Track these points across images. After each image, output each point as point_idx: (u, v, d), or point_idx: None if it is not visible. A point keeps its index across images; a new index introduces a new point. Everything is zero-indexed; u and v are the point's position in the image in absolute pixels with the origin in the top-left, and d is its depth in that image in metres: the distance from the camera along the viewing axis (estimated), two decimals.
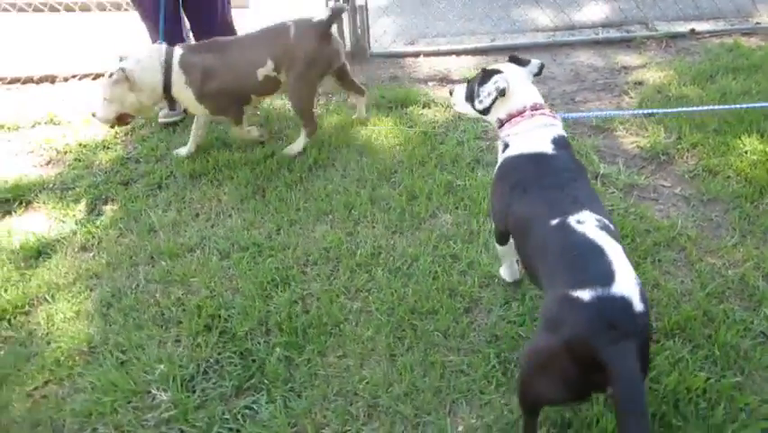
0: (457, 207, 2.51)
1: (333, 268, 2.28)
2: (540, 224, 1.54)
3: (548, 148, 1.72)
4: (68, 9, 4.48)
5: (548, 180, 1.65)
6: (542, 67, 1.94)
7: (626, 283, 1.32)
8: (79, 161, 3.07)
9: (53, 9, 4.47)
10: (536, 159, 1.71)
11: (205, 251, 2.41)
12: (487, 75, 1.85)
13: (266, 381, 1.88)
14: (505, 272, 2.14)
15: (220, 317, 2.10)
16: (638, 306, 1.30)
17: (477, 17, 4.19)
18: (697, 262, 2.19)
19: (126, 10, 4.37)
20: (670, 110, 2.91)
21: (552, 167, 1.69)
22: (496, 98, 1.80)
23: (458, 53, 3.85)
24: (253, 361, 1.94)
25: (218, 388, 1.87)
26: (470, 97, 1.92)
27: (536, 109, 1.79)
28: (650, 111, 2.92)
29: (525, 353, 1.58)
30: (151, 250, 2.44)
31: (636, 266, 2.13)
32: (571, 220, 1.48)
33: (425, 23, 4.10)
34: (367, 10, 3.63)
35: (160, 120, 3.24)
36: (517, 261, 2.05)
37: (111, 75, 2.62)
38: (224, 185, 2.76)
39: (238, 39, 2.89)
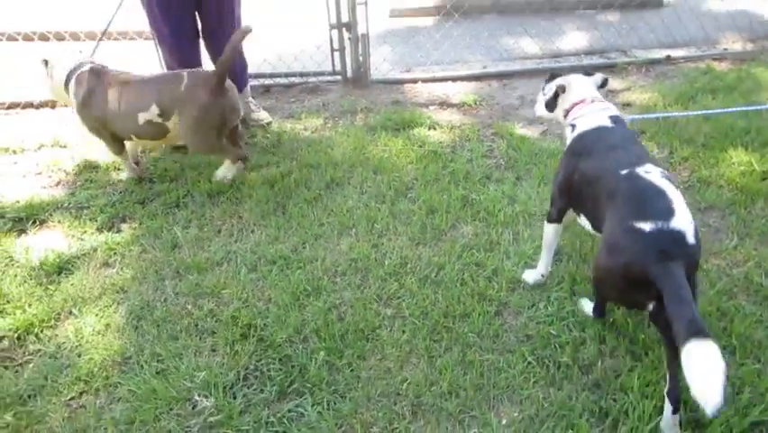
0: (475, 220, 2.63)
1: (363, 278, 2.35)
2: (610, 174, 1.82)
3: (607, 122, 2.05)
4: (59, 38, 4.51)
5: (612, 143, 1.96)
6: (605, 79, 2.32)
7: (682, 220, 1.61)
8: (91, 181, 3.09)
9: (43, 38, 4.49)
10: (599, 130, 2.04)
11: (232, 264, 2.46)
12: (550, 78, 2.32)
13: (308, 384, 1.93)
14: (528, 276, 2.26)
15: (256, 326, 2.15)
16: (690, 239, 1.60)
17: (469, 46, 4.41)
18: (703, 264, 2.34)
19: (117, 39, 4.44)
20: (722, 111, 3.13)
21: (613, 134, 2.01)
22: (556, 93, 2.23)
23: (453, 79, 4.04)
24: (293, 367, 1.99)
25: (260, 393, 1.91)
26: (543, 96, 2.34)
27: (593, 101, 2.13)
28: (705, 112, 3.25)
29: (593, 267, 1.87)
30: (177, 265, 2.47)
31: None
32: (640, 170, 1.77)
33: (421, 51, 4.29)
34: (368, 38, 3.79)
35: None
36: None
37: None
38: (243, 202, 2.83)
39: (139, 78, 2.85)
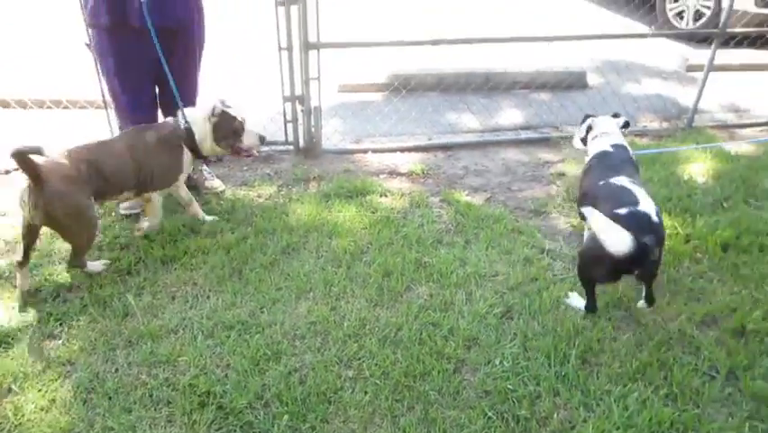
0: (429, 281, 2.72)
1: (323, 340, 2.37)
2: (595, 184, 2.61)
3: (609, 148, 2.81)
4: (4, 105, 4.47)
5: (608, 164, 2.71)
6: (627, 122, 3.05)
7: (646, 206, 2.32)
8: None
9: None
10: (601, 154, 2.81)
11: (188, 331, 2.42)
12: (585, 118, 3.08)
13: None
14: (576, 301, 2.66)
15: (215, 393, 2.11)
16: (655, 219, 2.28)
17: (415, 120, 4.66)
18: (641, 319, 2.51)
19: (67, 107, 4.43)
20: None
21: (609, 157, 2.76)
22: (587, 130, 3.02)
23: (402, 150, 4.24)
24: None
25: None
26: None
27: (607, 134, 2.90)
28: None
29: (581, 253, 2.53)
30: (129, 333, 2.41)
31: (593, 324, 2.43)
32: (613, 180, 2.53)
33: (370, 124, 4.51)
34: (320, 111, 3.96)
35: (121, 210, 3.26)
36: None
37: None
38: (198, 269, 2.81)
39: None
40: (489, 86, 5.13)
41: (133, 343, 2.38)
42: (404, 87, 4.61)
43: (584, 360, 2.28)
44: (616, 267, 2.26)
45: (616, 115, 3.06)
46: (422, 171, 3.87)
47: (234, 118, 2.97)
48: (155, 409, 2.07)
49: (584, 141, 3.06)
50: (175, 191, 3.07)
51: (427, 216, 3.28)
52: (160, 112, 3.29)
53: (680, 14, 7.11)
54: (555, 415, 2.03)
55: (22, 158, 2.29)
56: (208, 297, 2.64)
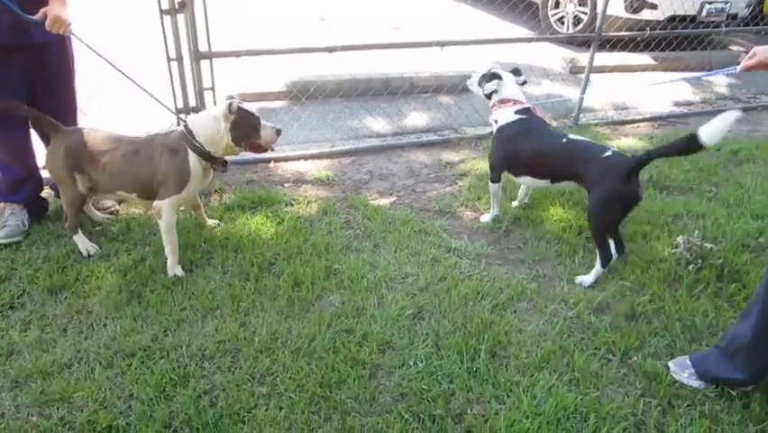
0: (340, 288, 2.71)
1: (233, 358, 2.29)
2: (553, 143, 2.94)
3: (526, 116, 3.09)
4: None
5: (542, 129, 3.07)
6: (524, 81, 3.29)
7: (613, 150, 2.76)
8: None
9: None
10: (524, 121, 3.07)
11: (83, 364, 2.25)
12: (493, 76, 3.20)
13: None
14: (487, 218, 3.37)
15: (117, 427, 1.98)
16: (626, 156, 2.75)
17: (317, 127, 4.64)
18: (543, 309, 2.65)
19: None
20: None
21: (536, 124, 3.08)
22: (492, 92, 3.19)
23: (305, 158, 4.20)
24: None
25: None
26: (480, 84, 3.28)
27: (516, 102, 3.13)
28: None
29: (593, 206, 2.74)
30: (15, 373, 2.20)
31: (500, 317, 2.53)
32: (573, 137, 2.93)
33: None
34: None
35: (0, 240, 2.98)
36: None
37: None
38: (92, 296, 2.62)
39: None
40: (389, 90, 5.22)
41: (21, 383, 2.17)
42: (303, 94, 4.57)
43: (494, 354, 2.36)
44: (631, 204, 2.70)
45: (516, 72, 3.28)
46: (327, 178, 3.86)
47: (252, 113, 2.74)
48: None
49: (488, 96, 3.25)
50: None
51: (335, 222, 3.27)
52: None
53: (560, 20, 7.61)
54: (469, 410, 2.08)
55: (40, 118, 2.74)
56: (105, 325, 2.46)
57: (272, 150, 2.91)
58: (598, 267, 2.81)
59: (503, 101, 3.15)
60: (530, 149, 2.97)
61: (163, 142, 2.72)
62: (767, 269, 2.33)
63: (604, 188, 2.66)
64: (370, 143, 4.52)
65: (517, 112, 3.08)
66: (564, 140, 2.90)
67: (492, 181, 3.27)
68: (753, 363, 2.10)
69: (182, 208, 3.12)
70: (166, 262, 2.77)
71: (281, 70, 5.21)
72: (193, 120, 2.75)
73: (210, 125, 2.69)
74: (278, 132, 2.82)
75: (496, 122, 3.16)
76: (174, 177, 2.69)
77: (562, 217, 3.39)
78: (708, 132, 2.21)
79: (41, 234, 3.06)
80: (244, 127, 2.71)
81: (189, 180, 2.71)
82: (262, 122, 2.77)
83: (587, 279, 2.84)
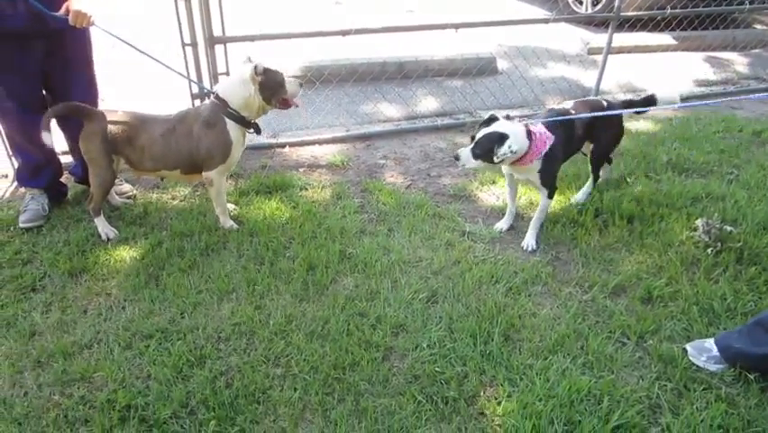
0: (354, 272, 2.72)
1: (248, 340, 2.32)
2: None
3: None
4: None
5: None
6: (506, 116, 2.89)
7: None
8: None
9: None
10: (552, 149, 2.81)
11: (103, 345, 2.30)
12: (501, 139, 2.64)
13: None
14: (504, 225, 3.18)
15: (136, 406, 2.02)
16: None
17: (332, 111, 4.63)
18: (558, 292, 2.63)
19: None
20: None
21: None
22: (514, 153, 2.67)
23: (320, 143, 4.20)
24: None
25: None
26: (483, 156, 2.69)
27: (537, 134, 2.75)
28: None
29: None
30: (37, 354, 2.26)
31: (514, 301, 2.52)
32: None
33: (286, 118, 4.43)
34: None
35: (21, 224, 3.03)
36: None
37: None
38: (110, 278, 2.67)
39: None
40: (403, 74, 5.18)
41: (43, 363, 2.22)
42: (317, 78, 4.56)
43: (507, 337, 2.36)
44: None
45: (491, 119, 2.81)
46: (342, 163, 3.86)
47: (277, 71, 2.86)
48: (71, 431, 1.95)
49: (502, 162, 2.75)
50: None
51: (349, 206, 3.28)
52: None
53: (579, 0, 7.47)
54: (482, 393, 2.09)
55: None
56: (123, 307, 2.51)
57: (296, 105, 3.00)
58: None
59: (530, 135, 2.73)
60: (566, 143, 2.94)
61: (196, 116, 2.83)
62: None
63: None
64: (385, 128, 4.50)
65: (545, 128, 2.78)
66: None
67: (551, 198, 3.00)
68: None
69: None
70: (218, 219, 3.03)
71: (295, 55, 5.20)
72: (223, 89, 2.85)
73: (241, 90, 2.81)
74: (301, 84, 2.95)
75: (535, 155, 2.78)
76: (218, 149, 2.83)
77: (579, 202, 3.35)
78: (663, 98, 3.09)
79: (62, 219, 3.11)
80: (272, 85, 2.84)
81: (232, 148, 2.86)
82: (284, 76, 2.88)
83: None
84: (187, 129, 2.81)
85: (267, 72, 2.80)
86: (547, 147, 2.75)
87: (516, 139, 2.65)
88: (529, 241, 2.98)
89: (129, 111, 2.86)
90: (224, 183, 2.99)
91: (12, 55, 2.75)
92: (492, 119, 2.77)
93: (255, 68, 2.76)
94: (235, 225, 3.02)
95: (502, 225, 3.15)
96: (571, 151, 3.08)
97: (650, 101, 3.13)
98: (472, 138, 2.74)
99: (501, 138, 2.63)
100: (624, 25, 5.16)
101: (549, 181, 2.90)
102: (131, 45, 2.82)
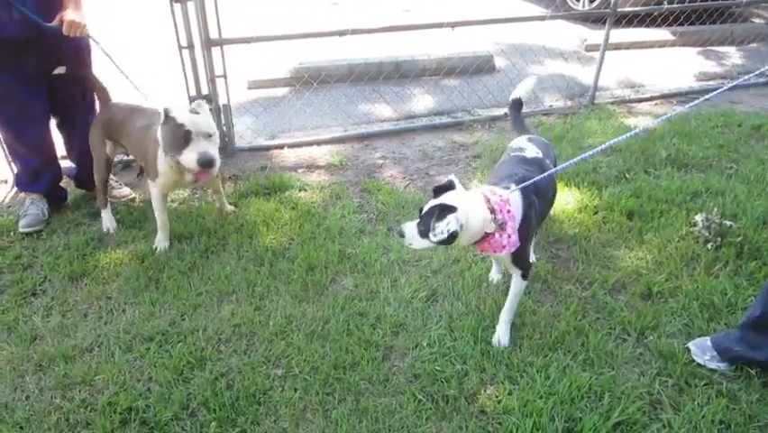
0: (353, 272, 2.72)
1: (249, 342, 2.32)
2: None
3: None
4: None
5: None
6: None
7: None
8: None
9: None
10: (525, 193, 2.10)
11: (104, 348, 2.30)
12: (442, 212, 1.92)
13: None
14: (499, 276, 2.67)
15: (137, 408, 2.02)
16: None
17: (329, 112, 4.64)
18: (557, 289, 2.63)
19: None
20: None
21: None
22: (455, 233, 1.90)
23: (318, 143, 4.20)
24: None
25: None
26: (426, 234, 1.98)
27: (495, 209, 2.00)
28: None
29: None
30: (38, 358, 2.26)
31: None
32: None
33: (283, 119, 4.43)
34: (230, 109, 3.85)
35: (21, 229, 3.04)
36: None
37: None
38: (110, 282, 2.67)
39: None
40: (400, 74, 5.18)
41: (44, 367, 2.23)
42: (314, 79, 4.56)
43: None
44: None
45: (452, 186, 2.11)
46: (340, 163, 3.86)
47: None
48: None
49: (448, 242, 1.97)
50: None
51: (348, 207, 3.28)
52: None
53: None
54: (483, 391, 2.09)
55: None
56: (124, 310, 2.51)
57: None
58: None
59: (490, 207, 2.00)
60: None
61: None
62: None
63: None
64: (383, 128, 4.50)
65: (516, 188, 2.08)
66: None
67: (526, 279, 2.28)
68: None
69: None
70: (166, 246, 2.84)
71: (293, 55, 5.20)
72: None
73: None
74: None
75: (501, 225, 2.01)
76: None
77: (578, 198, 3.35)
78: (518, 92, 2.79)
79: (61, 223, 3.12)
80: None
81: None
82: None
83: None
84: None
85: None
86: (515, 237, 2.03)
87: (466, 214, 1.93)
88: (500, 337, 2.30)
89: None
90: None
91: (8, 61, 2.75)
92: (448, 186, 2.09)
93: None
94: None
95: (497, 275, 2.68)
96: (544, 211, 2.38)
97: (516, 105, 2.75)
98: (420, 211, 2.07)
99: (443, 211, 1.93)
100: (621, 21, 5.15)
101: (522, 261, 2.19)
102: (108, 55, 2.80)
